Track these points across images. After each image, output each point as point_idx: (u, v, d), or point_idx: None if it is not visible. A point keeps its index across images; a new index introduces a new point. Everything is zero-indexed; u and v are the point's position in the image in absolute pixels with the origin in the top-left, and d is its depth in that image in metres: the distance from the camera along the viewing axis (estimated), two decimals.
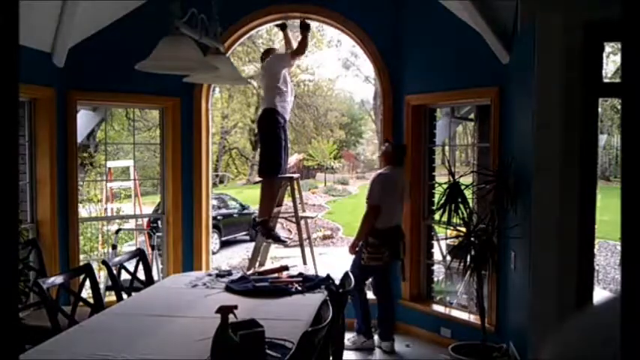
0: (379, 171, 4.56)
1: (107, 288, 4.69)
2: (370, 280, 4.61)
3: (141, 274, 3.77)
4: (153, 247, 5.47)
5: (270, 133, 4.67)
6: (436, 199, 4.25)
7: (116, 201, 10.11)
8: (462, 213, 3.89)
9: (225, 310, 2.11)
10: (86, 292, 3.48)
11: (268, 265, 5.01)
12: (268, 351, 2.23)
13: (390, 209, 4.38)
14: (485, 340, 3.83)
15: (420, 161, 4.83)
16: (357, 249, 4.43)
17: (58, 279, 3.19)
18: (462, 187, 3.97)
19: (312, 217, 6.12)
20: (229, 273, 3.71)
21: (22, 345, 2.66)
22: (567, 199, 2.84)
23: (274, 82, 4.64)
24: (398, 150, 4.55)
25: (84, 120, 6.04)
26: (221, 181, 25.22)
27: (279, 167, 4.71)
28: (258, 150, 5.06)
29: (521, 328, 3.43)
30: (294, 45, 5.02)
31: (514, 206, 3.58)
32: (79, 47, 4.54)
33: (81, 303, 3.21)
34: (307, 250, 4.95)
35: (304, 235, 4.98)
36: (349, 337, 4.38)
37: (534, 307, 2.99)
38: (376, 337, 4.48)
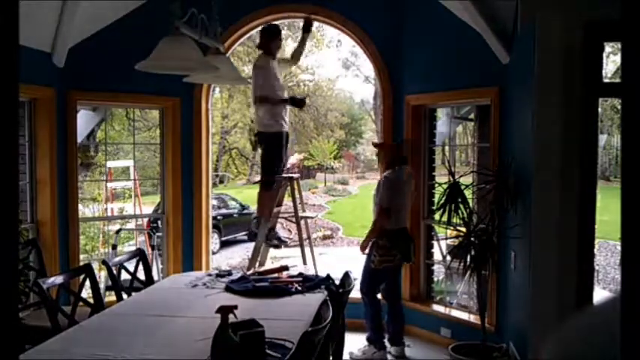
0: (384, 174, 4.37)
1: (107, 288, 4.69)
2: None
3: (141, 274, 3.77)
4: (153, 247, 5.46)
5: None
6: (436, 199, 4.25)
7: (117, 201, 10.12)
8: (462, 213, 3.89)
9: (225, 310, 2.11)
10: (86, 292, 3.48)
11: (268, 265, 5.01)
12: (268, 351, 2.23)
13: (398, 211, 4.28)
14: (485, 340, 3.83)
15: (420, 161, 4.83)
16: (366, 250, 4.32)
17: (58, 279, 3.19)
18: (462, 187, 3.97)
19: (312, 217, 6.11)
20: (229, 273, 3.71)
21: (22, 345, 2.66)
22: (567, 199, 2.84)
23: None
24: (394, 150, 4.44)
25: (84, 120, 6.05)
26: (221, 181, 25.21)
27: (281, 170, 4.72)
28: (259, 151, 4.97)
29: (521, 328, 3.43)
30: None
31: (514, 206, 3.58)
32: (79, 47, 4.54)
33: (81, 303, 3.21)
34: (307, 250, 4.94)
35: (304, 235, 4.97)
36: (360, 347, 4.31)
37: (534, 307, 2.99)
38: (386, 342, 4.33)
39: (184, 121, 5.04)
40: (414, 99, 4.76)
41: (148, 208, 10.49)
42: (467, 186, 4.06)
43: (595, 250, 3.93)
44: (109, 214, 8.47)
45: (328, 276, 3.47)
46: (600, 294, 5.78)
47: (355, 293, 3.99)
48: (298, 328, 2.43)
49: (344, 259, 8.79)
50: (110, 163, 9.32)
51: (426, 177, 4.86)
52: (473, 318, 4.33)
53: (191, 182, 5.09)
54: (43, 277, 3.59)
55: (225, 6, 3.36)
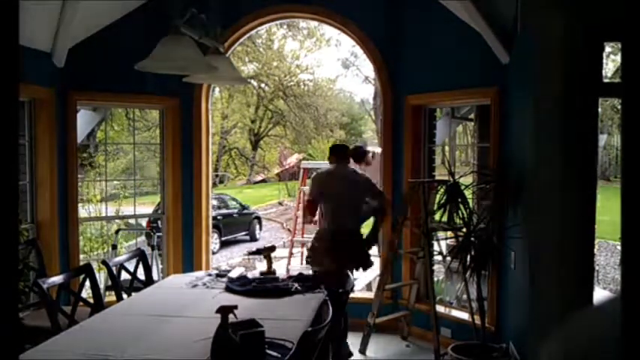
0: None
1: (107, 288, 4.69)
2: None
3: (141, 274, 3.77)
4: (153, 247, 5.47)
5: None
6: (436, 199, 4.25)
7: (116, 201, 10.11)
8: (462, 213, 3.89)
9: (225, 310, 2.11)
10: (86, 292, 3.48)
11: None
12: (268, 351, 2.23)
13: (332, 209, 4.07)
14: (485, 340, 3.83)
15: (420, 161, 4.83)
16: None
17: (58, 279, 3.19)
18: (462, 187, 3.97)
19: None
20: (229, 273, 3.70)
21: (22, 345, 2.66)
22: (567, 199, 2.84)
23: None
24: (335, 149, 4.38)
25: (84, 120, 6.04)
26: (221, 181, 25.20)
27: None
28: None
29: (521, 328, 3.43)
30: None
31: (514, 206, 3.58)
32: (79, 47, 4.54)
33: (81, 303, 3.21)
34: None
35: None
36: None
37: (534, 307, 2.99)
38: None
39: (184, 121, 5.04)
40: (414, 99, 4.76)
41: (148, 208, 10.49)
42: (467, 186, 4.06)
43: (595, 250, 3.93)
44: (109, 213, 8.45)
45: None
46: (600, 294, 5.78)
47: (355, 293, 3.99)
48: (298, 328, 2.42)
49: None
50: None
51: (426, 177, 4.85)
52: (473, 318, 4.33)
53: (191, 182, 5.09)
54: (43, 277, 3.59)
55: (225, 6, 3.36)
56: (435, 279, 5.28)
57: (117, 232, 6.20)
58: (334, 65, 38.88)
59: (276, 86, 22.53)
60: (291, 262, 6.76)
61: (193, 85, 4.82)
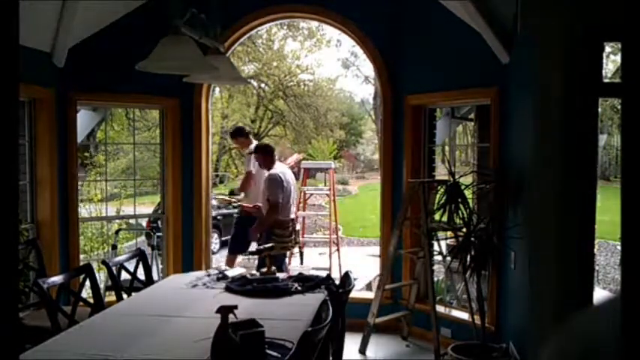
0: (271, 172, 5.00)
1: (107, 288, 4.69)
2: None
3: (141, 274, 3.77)
4: (153, 247, 5.47)
5: None
6: (436, 199, 4.25)
7: (117, 200, 10.09)
8: (462, 213, 3.89)
9: (225, 310, 2.11)
10: (86, 292, 3.48)
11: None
12: (268, 351, 2.23)
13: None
14: (485, 340, 3.83)
15: (420, 161, 4.83)
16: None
17: (58, 279, 3.19)
18: (462, 187, 3.97)
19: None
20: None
21: (22, 345, 2.66)
22: (567, 199, 2.84)
23: None
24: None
25: (84, 120, 6.04)
26: (221, 181, 25.18)
27: None
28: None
29: (521, 328, 3.43)
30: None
31: (514, 206, 3.57)
32: (79, 47, 4.54)
33: (81, 303, 3.21)
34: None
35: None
36: None
37: (534, 307, 2.99)
38: None
39: (184, 121, 5.04)
40: (413, 99, 4.76)
41: (148, 208, 10.49)
42: (467, 186, 4.06)
43: (595, 250, 3.92)
44: (109, 213, 8.44)
45: (328, 276, 3.47)
46: (600, 294, 5.78)
47: (355, 293, 3.99)
48: (298, 329, 2.43)
49: (345, 258, 8.79)
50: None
51: (426, 177, 4.85)
52: (473, 318, 4.33)
53: (191, 182, 5.09)
54: (43, 277, 3.59)
55: (225, 6, 3.36)
56: (435, 279, 5.28)
57: (117, 232, 6.20)
58: (334, 65, 38.89)
59: (276, 86, 22.50)
60: (291, 262, 6.76)
61: (193, 85, 4.82)
